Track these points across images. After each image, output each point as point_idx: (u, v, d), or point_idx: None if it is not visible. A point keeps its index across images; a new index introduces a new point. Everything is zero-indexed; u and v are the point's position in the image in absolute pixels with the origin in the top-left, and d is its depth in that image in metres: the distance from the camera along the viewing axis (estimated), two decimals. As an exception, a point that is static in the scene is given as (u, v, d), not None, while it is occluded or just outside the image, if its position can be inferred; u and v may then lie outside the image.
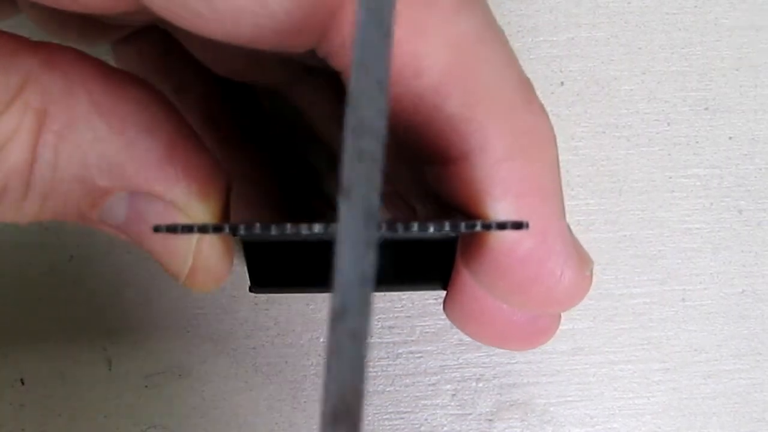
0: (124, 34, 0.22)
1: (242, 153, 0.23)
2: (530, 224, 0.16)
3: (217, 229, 0.13)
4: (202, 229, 0.13)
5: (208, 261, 0.17)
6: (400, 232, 0.13)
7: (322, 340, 0.27)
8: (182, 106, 0.23)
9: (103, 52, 0.24)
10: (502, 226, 0.14)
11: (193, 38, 0.21)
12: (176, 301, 0.27)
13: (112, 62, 0.24)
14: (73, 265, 0.27)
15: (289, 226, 0.13)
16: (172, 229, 0.13)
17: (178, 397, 0.26)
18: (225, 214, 0.17)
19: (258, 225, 0.13)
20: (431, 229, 0.13)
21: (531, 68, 0.27)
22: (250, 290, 0.19)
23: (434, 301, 0.27)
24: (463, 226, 0.13)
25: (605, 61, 0.28)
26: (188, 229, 0.13)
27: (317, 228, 0.13)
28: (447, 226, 0.13)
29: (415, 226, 0.13)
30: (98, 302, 0.27)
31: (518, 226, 0.14)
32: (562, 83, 0.28)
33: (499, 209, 0.16)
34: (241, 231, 0.13)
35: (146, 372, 0.27)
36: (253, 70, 0.22)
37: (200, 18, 0.14)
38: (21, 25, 0.22)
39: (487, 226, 0.14)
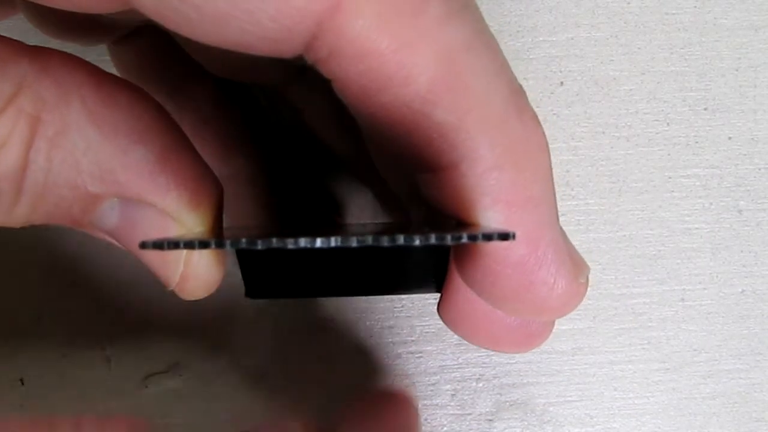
0: (121, 34, 0.23)
1: (240, 152, 0.23)
2: (522, 233, 0.16)
3: (203, 244, 0.13)
4: (189, 244, 0.13)
5: (198, 269, 0.17)
6: (386, 245, 0.13)
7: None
8: (179, 105, 0.23)
9: (101, 51, 0.24)
10: (488, 237, 0.14)
11: (189, 39, 0.21)
12: (176, 301, 0.27)
13: (109, 61, 0.24)
14: (72, 265, 0.27)
15: (275, 240, 0.13)
16: (159, 245, 0.13)
17: (178, 396, 0.26)
18: (217, 222, 0.17)
19: (244, 240, 0.13)
20: (417, 242, 0.13)
21: (530, 68, 0.27)
22: (246, 296, 0.19)
23: (434, 301, 0.27)
24: (449, 238, 0.13)
25: (605, 61, 0.28)
26: (174, 245, 0.13)
27: (303, 242, 0.13)
28: (433, 238, 0.13)
29: (402, 239, 0.13)
30: (98, 302, 0.27)
31: (505, 237, 0.14)
32: (561, 83, 0.28)
33: (489, 218, 0.16)
34: (227, 246, 0.13)
35: (146, 372, 0.27)
36: (249, 71, 0.22)
37: (188, 22, 0.14)
38: (18, 25, 0.22)
39: (473, 238, 0.14)
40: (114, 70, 0.24)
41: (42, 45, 0.16)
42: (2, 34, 0.16)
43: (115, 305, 0.27)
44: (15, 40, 0.15)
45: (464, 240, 0.13)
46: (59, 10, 0.16)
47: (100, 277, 0.27)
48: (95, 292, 0.27)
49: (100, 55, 0.24)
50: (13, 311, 0.26)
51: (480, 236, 0.14)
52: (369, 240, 0.13)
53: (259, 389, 0.27)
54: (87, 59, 0.16)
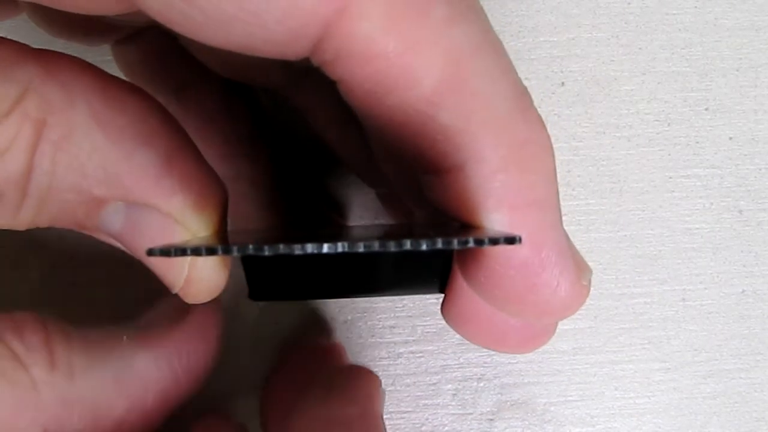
0: (125, 34, 0.22)
1: (243, 153, 0.23)
2: (526, 236, 0.16)
3: (210, 250, 0.13)
4: (195, 251, 0.13)
5: (202, 272, 0.17)
6: (393, 250, 0.13)
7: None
8: (182, 105, 0.23)
9: (105, 51, 0.24)
10: (494, 241, 0.14)
11: (192, 40, 0.21)
12: (177, 301, 0.27)
13: (112, 61, 0.24)
14: (73, 265, 0.27)
15: (282, 246, 0.13)
16: (166, 252, 0.13)
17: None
18: (222, 225, 0.17)
19: (251, 246, 0.13)
20: (423, 246, 0.13)
21: (532, 68, 0.28)
22: (250, 298, 0.19)
23: (435, 301, 0.27)
24: (455, 242, 0.13)
25: (606, 62, 0.28)
26: (181, 251, 0.13)
27: (310, 248, 0.13)
28: (440, 243, 0.13)
29: (408, 244, 0.13)
30: (98, 302, 0.27)
31: (511, 240, 0.14)
32: (562, 83, 0.28)
33: (494, 220, 0.16)
34: (234, 252, 0.13)
35: (147, 372, 0.27)
36: (253, 72, 0.22)
37: (194, 24, 0.14)
38: (22, 25, 0.22)
39: (479, 242, 0.14)
40: (117, 71, 0.24)
41: (45, 45, 0.16)
42: (7, 34, 0.16)
43: (115, 305, 0.27)
44: (21, 43, 0.15)
45: (471, 244, 0.13)
46: (62, 10, 0.16)
47: (101, 277, 0.27)
48: (96, 293, 0.27)
49: (103, 55, 0.24)
50: (13, 311, 0.26)
51: (486, 240, 0.14)
52: (376, 245, 0.13)
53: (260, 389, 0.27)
54: (90, 59, 0.16)
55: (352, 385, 0.20)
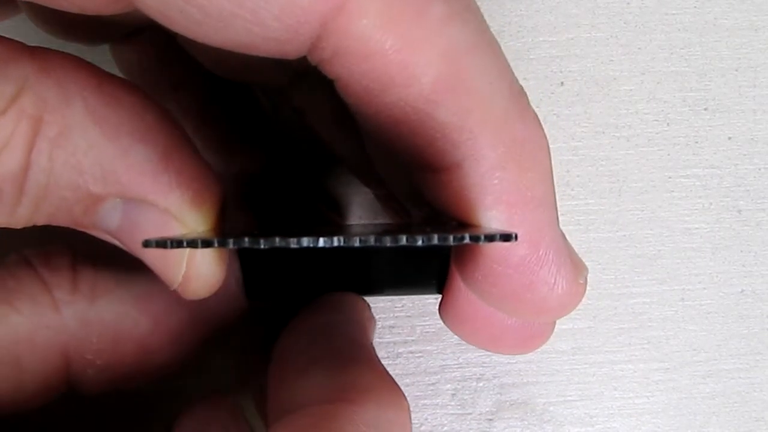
0: (124, 33, 0.23)
1: (240, 151, 0.23)
2: (523, 233, 0.16)
3: (206, 243, 0.13)
4: (192, 243, 0.13)
5: (200, 269, 0.17)
6: (388, 245, 0.13)
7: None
8: (181, 105, 0.23)
9: (104, 51, 0.24)
10: (490, 238, 0.14)
11: (191, 39, 0.21)
12: (176, 300, 0.27)
13: (111, 61, 0.24)
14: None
15: (278, 239, 0.13)
16: (162, 244, 0.13)
17: (178, 396, 0.26)
18: (219, 221, 0.17)
19: (247, 239, 0.13)
20: (419, 242, 0.13)
21: (531, 68, 0.28)
22: (247, 297, 0.19)
23: (434, 301, 0.27)
24: (451, 238, 0.13)
25: (605, 62, 0.28)
26: (177, 243, 0.13)
27: (306, 242, 0.13)
28: (436, 239, 0.13)
29: (404, 239, 0.13)
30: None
31: (507, 238, 0.14)
32: (561, 83, 0.28)
33: (491, 218, 0.16)
34: (230, 245, 0.13)
35: (147, 371, 0.27)
36: (252, 71, 0.22)
37: (192, 22, 0.14)
38: (20, 24, 0.22)
39: (475, 238, 0.14)
40: (117, 70, 0.24)
41: (44, 45, 0.16)
42: (6, 34, 0.16)
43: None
44: (16, 41, 0.15)
45: (467, 240, 0.13)
46: (60, 10, 0.16)
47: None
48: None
49: (102, 55, 0.24)
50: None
51: (482, 237, 0.14)
52: (371, 240, 0.13)
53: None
54: (89, 59, 0.16)
55: (336, 300, 0.20)
